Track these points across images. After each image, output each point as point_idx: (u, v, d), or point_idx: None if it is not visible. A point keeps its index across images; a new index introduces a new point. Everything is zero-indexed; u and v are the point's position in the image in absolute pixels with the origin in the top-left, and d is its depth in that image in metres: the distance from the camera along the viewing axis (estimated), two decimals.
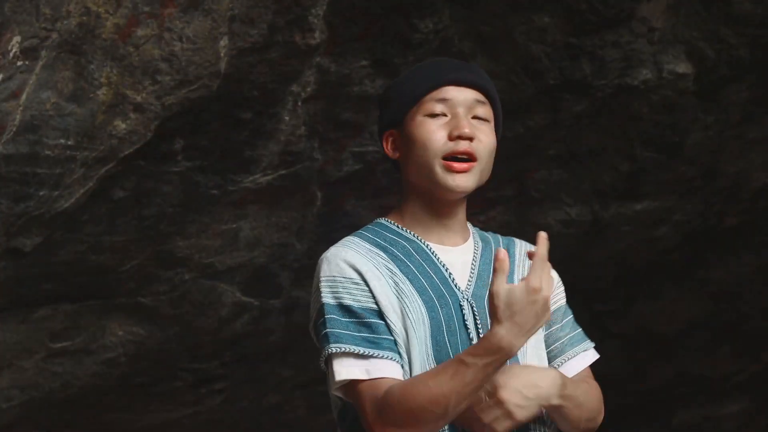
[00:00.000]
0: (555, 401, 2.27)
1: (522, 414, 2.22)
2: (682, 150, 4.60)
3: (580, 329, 2.53)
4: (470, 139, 2.31)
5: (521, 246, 2.51)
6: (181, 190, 4.08)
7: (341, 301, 2.26)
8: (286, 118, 4.00)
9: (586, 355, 2.52)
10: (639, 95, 4.31)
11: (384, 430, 2.20)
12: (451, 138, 2.31)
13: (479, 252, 2.41)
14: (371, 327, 2.23)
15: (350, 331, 2.23)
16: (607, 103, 4.32)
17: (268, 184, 4.23)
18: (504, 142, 4.69)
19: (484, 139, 2.34)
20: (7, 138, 3.42)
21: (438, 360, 2.26)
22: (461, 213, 2.40)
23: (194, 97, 3.68)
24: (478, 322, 2.32)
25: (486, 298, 2.29)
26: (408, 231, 2.37)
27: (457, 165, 2.31)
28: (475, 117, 2.35)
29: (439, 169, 2.31)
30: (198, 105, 3.73)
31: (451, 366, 2.18)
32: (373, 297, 2.26)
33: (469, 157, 2.32)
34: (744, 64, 4.25)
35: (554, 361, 2.46)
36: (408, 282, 2.29)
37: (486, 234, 2.51)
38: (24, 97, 3.36)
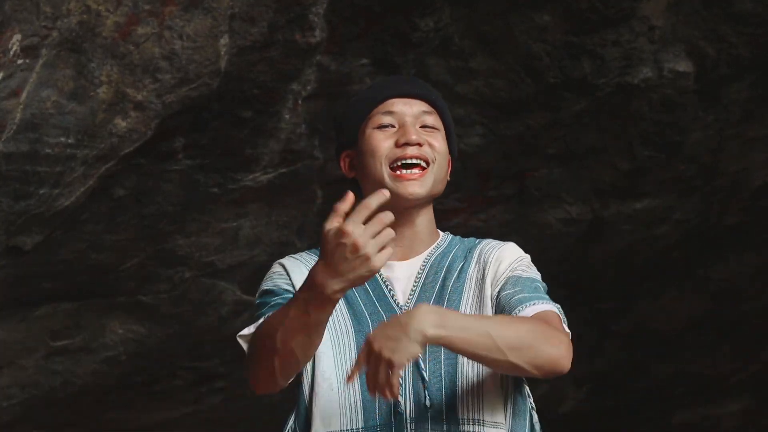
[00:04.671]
0: (432, 332, 2.13)
1: (398, 357, 2.10)
2: (683, 149, 4.60)
3: (538, 294, 2.33)
4: (419, 144, 2.36)
5: (485, 245, 2.44)
6: (181, 188, 4.08)
7: (264, 288, 2.39)
8: (287, 116, 4.01)
9: (530, 306, 2.30)
10: (639, 94, 4.31)
11: (246, 367, 2.27)
12: (398, 145, 2.37)
13: (429, 262, 2.40)
14: (284, 298, 2.32)
15: (267, 305, 2.34)
16: (608, 102, 4.32)
17: (269, 183, 4.23)
18: (504, 140, 4.69)
19: (436, 145, 2.38)
20: (7, 136, 3.42)
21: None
22: (419, 224, 2.40)
23: (195, 96, 3.68)
24: None
25: (432, 302, 2.31)
26: None
27: (406, 173, 2.35)
28: (423, 126, 2.40)
29: (388, 179, 2.35)
30: (198, 103, 3.73)
31: (285, 304, 2.22)
32: (293, 284, 2.36)
33: (420, 161, 2.36)
34: (744, 62, 4.25)
35: None
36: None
37: (460, 241, 2.47)
38: (24, 95, 3.36)
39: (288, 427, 2.38)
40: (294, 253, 2.52)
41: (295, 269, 2.40)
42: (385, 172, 2.36)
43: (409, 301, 2.36)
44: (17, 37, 3.21)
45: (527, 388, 2.37)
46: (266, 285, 2.41)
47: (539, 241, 4.84)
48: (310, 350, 2.21)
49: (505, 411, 2.29)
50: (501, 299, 2.33)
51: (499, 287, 2.34)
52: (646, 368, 6.11)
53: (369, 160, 2.38)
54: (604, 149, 4.56)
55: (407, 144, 2.35)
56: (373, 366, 2.12)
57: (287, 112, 3.98)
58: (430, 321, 2.13)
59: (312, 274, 2.13)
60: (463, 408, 2.27)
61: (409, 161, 2.36)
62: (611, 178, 4.70)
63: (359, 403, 2.29)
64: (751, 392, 6.42)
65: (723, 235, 5.24)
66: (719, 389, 6.35)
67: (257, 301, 2.40)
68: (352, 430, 2.29)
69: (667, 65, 4.23)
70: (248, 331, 2.32)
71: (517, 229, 4.80)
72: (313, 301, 2.13)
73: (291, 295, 2.30)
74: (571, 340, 2.27)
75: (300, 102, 3.98)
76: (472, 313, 2.32)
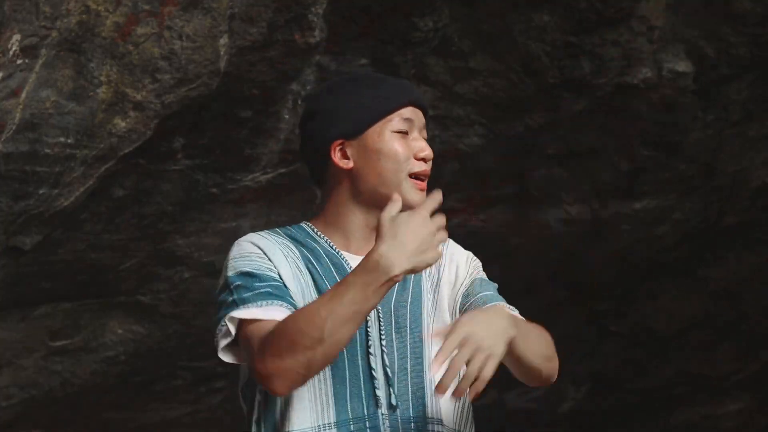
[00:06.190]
0: (512, 332, 2.20)
1: (501, 350, 2.17)
2: (682, 149, 4.60)
3: (499, 297, 2.44)
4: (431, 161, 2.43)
5: (452, 248, 2.51)
6: (180, 188, 4.08)
7: (243, 269, 2.34)
8: (286, 116, 4.01)
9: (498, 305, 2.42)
10: (638, 94, 4.31)
11: (265, 362, 2.21)
12: (416, 158, 2.41)
13: None
14: (272, 285, 2.30)
15: (253, 291, 2.29)
16: (607, 102, 4.32)
17: (268, 183, 4.23)
18: (503, 140, 4.69)
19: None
20: (6, 136, 3.42)
21: None
22: None
23: (194, 96, 3.68)
24: (381, 324, 2.34)
25: (394, 301, 2.34)
26: (322, 236, 2.42)
27: (420, 184, 2.41)
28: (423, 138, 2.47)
29: (406, 185, 2.39)
30: (198, 103, 3.73)
31: (330, 290, 2.21)
32: (275, 267, 2.33)
33: (426, 178, 2.44)
34: (743, 62, 4.25)
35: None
36: (309, 277, 2.35)
37: None
38: (24, 95, 3.36)
39: None
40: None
41: (271, 250, 2.36)
42: (404, 180, 2.38)
43: None
44: (17, 37, 3.21)
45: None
46: (244, 265, 2.36)
47: (539, 241, 4.84)
48: (349, 341, 2.21)
49: (464, 418, 2.34)
50: (469, 297, 2.40)
51: (464, 288, 2.42)
52: (645, 368, 6.11)
53: (387, 162, 2.39)
54: (604, 149, 4.56)
55: (424, 159, 2.41)
56: (476, 360, 2.14)
57: (287, 112, 3.99)
58: (509, 322, 2.21)
59: (374, 257, 2.15)
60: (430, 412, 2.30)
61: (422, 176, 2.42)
62: (611, 178, 4.70)
63: (330, 397, 2.28)
64: (751, 392, 6.42)
65: (722, 235, 5.24)
66: (719, 389, 6.35)
67: (236, 282, 2.34)
68: (322, 425, 2.26)
69: (666, 65, 4.23)
70: (242, 314, 2.29)
71: (516, 229, 4.80)
72: (374, 284, 2.15)
73: (278, 283, 2.29)
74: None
75: (299, 102, 3.98)
76: (430, 306, 2.39)
